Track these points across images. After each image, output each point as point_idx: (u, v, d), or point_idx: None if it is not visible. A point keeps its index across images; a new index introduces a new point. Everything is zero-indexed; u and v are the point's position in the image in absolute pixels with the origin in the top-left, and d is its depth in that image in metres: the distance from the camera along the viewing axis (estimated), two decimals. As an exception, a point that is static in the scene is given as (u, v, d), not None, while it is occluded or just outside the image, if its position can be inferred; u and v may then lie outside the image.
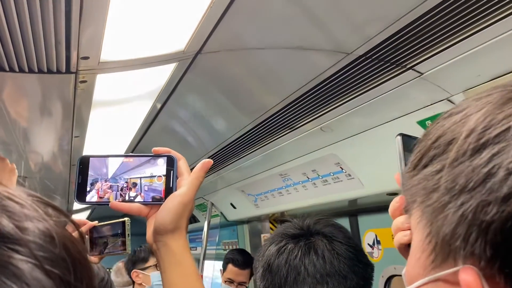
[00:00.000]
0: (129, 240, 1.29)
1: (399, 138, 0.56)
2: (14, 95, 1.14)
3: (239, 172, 2.79)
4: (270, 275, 0.90)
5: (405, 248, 0.50)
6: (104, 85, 1.11)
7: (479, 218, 0.33)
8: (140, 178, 0.75)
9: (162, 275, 0.74)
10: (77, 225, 0.42)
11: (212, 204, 3.64)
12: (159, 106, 1.45)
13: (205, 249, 3.61)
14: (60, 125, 1.42)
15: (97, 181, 0.75)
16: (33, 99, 1.18)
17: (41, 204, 0.38)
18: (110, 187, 0.75)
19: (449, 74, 1.28)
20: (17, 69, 0.95)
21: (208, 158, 2.48)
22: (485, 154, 0.34)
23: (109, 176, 0.75)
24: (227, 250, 3.72)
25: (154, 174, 0.74)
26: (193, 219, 4.38)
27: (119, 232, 1.29)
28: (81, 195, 0.74)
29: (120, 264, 2.79)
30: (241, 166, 2.64)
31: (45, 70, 0.96)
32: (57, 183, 2.65)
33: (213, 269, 4.32)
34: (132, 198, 0.74)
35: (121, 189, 0.75)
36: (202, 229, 3.76)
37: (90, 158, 0.75)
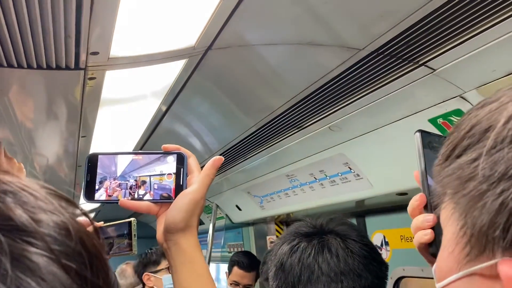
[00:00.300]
0: (135, 241, 1.27)
1: (418, 134, 0.54)
2: (21, 93, 1.13)
3: (245, 173, 2.77)
4: (283, 274, 0.89)
5: (425, 247, 0.49)
6: (113, 82, 1.09)
7: None
8: (150, 175, 0.73)
9: (173, 275, 0.73)
10: (91, 220, 0.41)
11: (217, 206, 3.62)
12: (167, 105, 1.43)
13: (211, 252, 3.59)
14: (67, 124, 1.40)
15: (106, 179, 0.73)
16: (41, 97, 1.17)
17: (55, 197, 0.37)
18: (119, 185, 0.73)
19: (462, 70, 1.26)
20: (25, 65, 0.93)
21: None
22: None
23: (118, 174, 0.73)
24: (232, 253, 3.69)
25: (164, 172, 0.73)
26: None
27: (125, 232, 1.27)
28: (89, 193, 0.73)
29: (123, 266, 2.78)
30: (247, 167, 2.62)
31: (54, 66, 0.95)
32: (63, 184, 2.63)
33: (215, 271, 4.30)
34: (142, 196, 0.73)
35: (130, 187, 0.73)
36: (207, 232, 3.73)
37: (99, 156, 0.74)
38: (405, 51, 1.21)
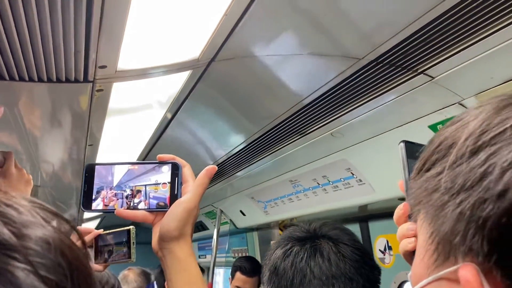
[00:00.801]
0: (134, 249, 1.29)
1: (402, 145, 0.57)
2: (30, 105, 1.16)
3: (249, 179, 2.79)
4: (276, 278, 0.91)
5: (410, 255, 0.51)
6: (120, 94, 1.13)
7: (476, 215, 0.35)
8: (145, 185, 0.75)
9: (168, 283, 0.74)
10: (79, 232, 0.42)
11: (222, 211, 3.64)
12: (171, 114, 1.46)
13: (215, 257, 3.60)
14: (75, 133, 1.44)
15: (103, 189, 0.75)
16: (50, 108, 1.20)
17: (42, 210, 0.39)
18: (116, 194, 0.75)
19: (460, 77, 1.28)
20: (36, 79, 0.97)
21: (218, 165, 2.48)
22: (482, 155, 0.36)
23: (115, 183, 0.75)
24: (236, 258, 3.71)
25: (159, 181, 0.75)
26: (202, 227, 4.38)
27: (124, 240, 1.29)
28: (87, 203, 0.75)
29: (126, 272, 2.80)
30: (251, 173, 2.64)
31: (63, 79, 0.98)
32: (70, 192, 2.67)
33: (222, 276, 4.31)
34: (137, 205, 0.75)
35: (127, 197, 0.75)
36: (211, 237, 3.75)
37: (96, 166, 0.76)
38: (404, 59, 1.24)
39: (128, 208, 0.75)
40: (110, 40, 0.83)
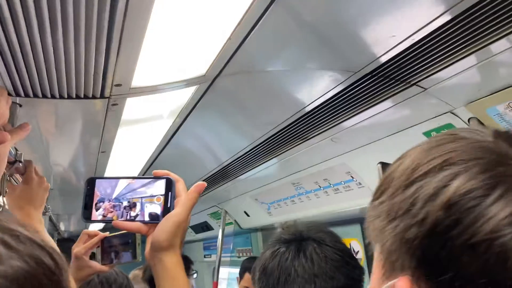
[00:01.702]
0: (140, 249, 1.35)
1: (379, 166, 0.65)
2: (51, 118, 1.25)
3: (252, 181, 2.87)
4: (265, 277, 0.99)
5: None
6: (132, 107, 1.22)
7: (405, 237, 0.43)
8: (141, 198, 0.81)
9: None
10: (59, 263, 0.46)
11: (226, 212, 3.72)
12: (177, 125, 1.55)
13: (220, 256, 3.69)
14: (90, 142, 1.53)
15: (103, 201, 0.81)
16: (68, 121, 1.30)
17: (29, 243, 0.42)
18: (114, 206, 0.81)
19: (451, 89, 1.36)
20: (57, 96, 1.06)
21: (222, 168, 2.54)
22: (412, 188, 0.45)
23: (113, 196, 0.81)
24: (241, 257, 3.80)
25: (154, 195, 0.80)
26: (207, 227, 4.47)
27: (129, 241, 1.36)
28: (87, 214, 0.81)
29: (136, 272, 2.88)
30: (255, 175, 2.73)
31: (82, 96, 1.07)
32: (80, 195, 2.76)
33: (227, 275, 4.39)
34: (133, 217, 0.81)
35: (124, 209, 0.81)
36: (216, 237, 3.84)
37: (96, 180, 0.83)
38: (398, 72, 1.32)
39: (124, 220, 0.81)
40: (127, 62, 0.92)
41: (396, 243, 0.44)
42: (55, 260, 0.45)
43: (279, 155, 2.27)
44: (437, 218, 0.41)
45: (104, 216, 0.82)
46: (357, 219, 2.69)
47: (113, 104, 1.13)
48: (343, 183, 2.24)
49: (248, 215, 3.51)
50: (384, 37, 1.17)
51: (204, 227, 4.52)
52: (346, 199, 2.30)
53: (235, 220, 3.78)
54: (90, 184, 0.83)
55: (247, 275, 2.86)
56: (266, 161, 2.40)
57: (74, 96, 1.06)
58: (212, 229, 4.37)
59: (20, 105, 1.08)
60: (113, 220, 0.81)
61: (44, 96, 1.06)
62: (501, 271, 0.38)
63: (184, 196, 0.82)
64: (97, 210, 0.82)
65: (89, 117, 1.25)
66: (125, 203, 0.82)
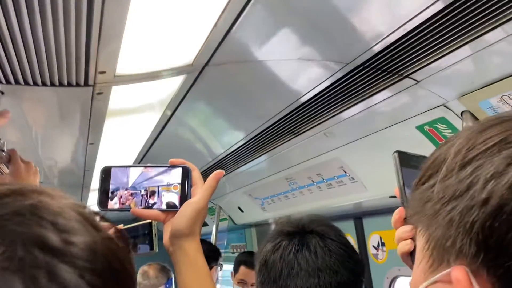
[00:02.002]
0: (156, 240, 1.34)
1: (396, 155, 0.61)
2: (35, 106, 1.23)
3: (246, 176, 2.85)
4: (266, 270, 0.96)
5: (407, 256, 0.55)
6: (118, 96, 1.20)
7: (464, 220, 0.40)
8: (158, 186, 0.81)
9: (178, 277, 0.80)
10: (124, 235, 0.47)
11: (220, 208, 3.71)
12: (168, 115, 1.53)
13: (214, 252, 3.67)
14: (77, 133, 1.51)
15: (119, 190, 0.81)
16: (53, 110, 1.27)
17: (88, 216, 0.43)
18: (131, 194, 0.80)
19: (444, 81, 1.34)
20: (40, 83, 1.04)
21: (216, 162, 2.53)
22: (469, 169, 0.41)
23: (130, 185, 0.80)
24: (235, 253, 3.78)
25: (170, 183, 0.80)
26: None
27: (146, 232, 1.35)
28: (103, 202, 0.80)
29: (146, 268, 2.84)
30: (248, 171, 2.71)
31: (65, 83, 1.05)
32: (72, 188, 2.74)
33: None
34: (151, 205, 0.81)
35: (141, 197, 0.81)
36: (211, 233, 3.83)
37: (112, 168, 0.82)
38: (389, 64, 1.30)
39: (142, 208, 0.81)
40: (109, 48, 0.90)
41: (451, 227, 0.41)
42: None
43: (272, 150, 2.25)
44: (503, 197, 0.38)
45: (122, 204, 0.81)
46: (351, 215, 2.68)
47: (99, 93, 1.11)
48: (336, 178, 2.22)
49: (242, 211, 3.49)
50: (375, 27, 1.15)
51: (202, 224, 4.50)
52: (339, 195, 2.29)
53: (229, 216, 3.77)
54: (106, 172, 0.82)
55: (243, 268, 2.84)
56: (260, 155, 2.38)
57: (57, 83, 1.04)
58: (207, 225, 4.35)
59: (2, 93, 1.06)
60: (130, 208, 0.80)
61: (27, 83, 1.03)
62: None
63: (200, 184, 0.82)
64: (112, 199, 0.81)
65: (75, 106, 1.22)
66: (142, 191, 0.81)
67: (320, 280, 0.90)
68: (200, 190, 0.80)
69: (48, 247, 0.36)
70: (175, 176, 0.82)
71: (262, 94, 1.54)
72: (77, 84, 1.04)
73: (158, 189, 0.81)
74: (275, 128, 1.93)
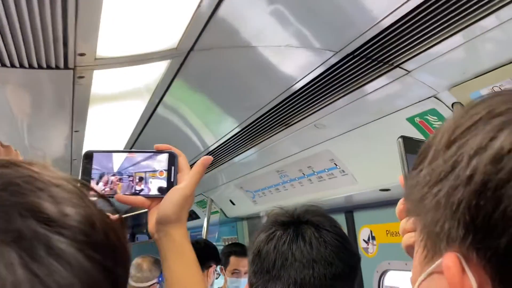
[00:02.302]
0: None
1: (400, 140, 0.57)
2: (15, 90, 1.20)
3: (237, 169, 2.83)
4: (259, 260, 0.94)
5: (412, 249, 0.50)
6: (101, 81, 1.16)
7: (450, 201, 0.37)
8: (144, 172, 0.79)
9: (163, 264, 0.78)
10: (120, 213, 0.45)
11: (212, 200, 3.69)
12: (156, 102, 1.50)
13: (205, 245, 3.65)
14: (60, 119, 1.48)
15: (102, 175, 0.79)
16: (34, 94, 1.24)
17: (86, 191, 0.41)
18: (115, 181, 0.78)
19: (435, 72, 1.32)
20: (17, 65, 1.00)
21: (207, 154, 2.52)
22: (453, 148, 0.38)
23: (114, 170, 0.78)
24: (227, 246, 3.76)
25: (156, 169, 0.79)
26: (194, 216, 4.44)
27: (144, 221, 1.34)
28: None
29: (139, 261, 2.82)
30: (240, 163, 2.69)
31: (44, 66, 1.01)
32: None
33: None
34: (136, 191, 0.79)
35: (125, 183, 0.78)
36: (202, 226, 3.81)
37: (94, 154, 0.79)
38: (380, 53, 1.28)
39: (127, 194, 0.78)
40: (87, 28, 0.87)
41: (438, 210, 0.38)
42: None
43: (263, 141, 2.23)
44: (487, 173, 0.35)
45: (105, 190, 0.78)
46: (342, 208, 2.67)
47: (80, 77, 1.08)
48: (326, 170, 2.20)
49: (233, 204, 3.47)
50: (365, 14, 1.12)
51: (190, 215, 4.49)
52: (330, 187, 2.27)
53: (220, 209, 3.75)
54: (88, 158, 0.79)
55: (234, 258, 2.81)
56: (251, 147, 2.36)
57: (35, 65, 1.01)
58: (199, 217, 4.34)
59: (-21, 75, 1.03)
60: (114, 194, 0.78)
61: (4, 65, 1.00)
62: None
63: (186, 170, 0.80)
64: (97, 184, 0.78)
65: (56, 90, 1.19)
66: (126, 177, 0.79)
67: (315, 271, 0.88)
68: (187, 176, 0.79)
69: (44, 218, 0.35)
70: (161, 162, 0.80)
71: (251, 82, 1.52)
72: (57, 67, 1.01)
73: (143, 175, 0.79)
74: (266, 118, 1.91)
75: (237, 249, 2.84)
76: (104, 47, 0.98)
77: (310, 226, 0.96)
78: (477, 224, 0.35)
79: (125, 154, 0.79)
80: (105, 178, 0.78)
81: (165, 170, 0.79)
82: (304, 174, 2.40)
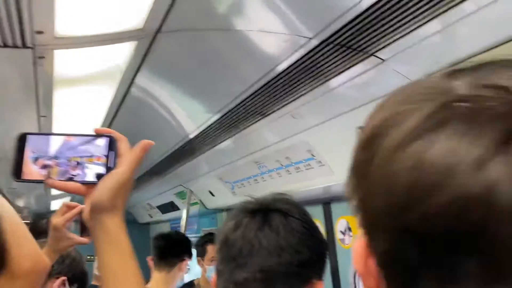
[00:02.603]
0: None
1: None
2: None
3: (216, 159, 2.81)
4: (226, 248, 0.93)
5: None
6: (65, 62, 1.12)
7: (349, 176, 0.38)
8: (80, 157, 0.74)
9: (97, 255, 0.74)
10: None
11: (191, 191, 3.65)
12: (126, 86, 1.45)
13: (184, 236, 3.62)
14: (25, 103, 1.42)
15: (36, 159, 0.74)
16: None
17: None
18: (49, 165, 0.73)
19: (409, 61, 1.31)
20: (-29, 42, 0.95)
21: (186, 143, 2.45)
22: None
23: (49, 154, 0.73)
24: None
25: (94, 154, 0.74)
26: (174, 207, 4.40)
27: None
28: (18, 172, 0.73)
29: None
30: (218, 153, 2.66)
31: (2, 44, 0.96)
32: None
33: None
34: (71, 176, 0.74)
35: (60, 168, 0.74)
36: (181, 217, 3.78)
37: (30, 136, 0.74)
38: (354, 40, 1.26)
39: (61, 180, 0.74)
40: (43, 4, 0.82)
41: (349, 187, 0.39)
42: None
43: (241, 131, 2.20)
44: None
45: (37, 175, 0.73)
46: (320, 200, 2.66)
47: (40, 57, 1.03)
48: (304, 161, 2.19)
49: (213, 195, 3.45)
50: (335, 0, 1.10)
51: (170, 207, 4.44)
52: (308, 178, 2.26)
53: (200, 200, 3.71)
54: (21, 140, 0.74)
55: (211, 247, 2.78)
56: (229, 137, 2.33)
57: (-9, 43, 0.96)
58: (179, 209, 4.30)
59: None
60: (45, 179, 0.72)
61: (-43, 42, 0.94)
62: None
63: (127, 156, 0.74)
64: (28, 168, 0.73)
65: (17, 71, 1.14)
66: (61, 162, 0.74)
67: (282, 258, 0.87)
68: (125, 162, 0.74)
69: None
70: (100, 146, 0.74)
71: (224, 69, 1.48)
72: (14, 46, 0.96)
73: (80, 159, 0.74)
74: (243, 107, 1.88)
75: (214, 237, 2.82)
76: (64, 26, 0.93)
77: (278, 214, 0.95)
78: (358, 195, 0.36)
79: (62, 138, 0.75)
80: (39, 162, 0.73)
81: (104, 155, 0.74)
82: (282, 165, 2.38)
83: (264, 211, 0.97)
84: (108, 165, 0.74)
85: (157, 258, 2.23)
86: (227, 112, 1.95)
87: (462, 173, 0.28)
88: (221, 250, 0.95)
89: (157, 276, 2.15)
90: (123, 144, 0.76)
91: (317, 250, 0.95)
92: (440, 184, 0.29)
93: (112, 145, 0.75)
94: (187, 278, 2.90)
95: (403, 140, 0.32)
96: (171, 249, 2.26)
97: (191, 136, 2.40)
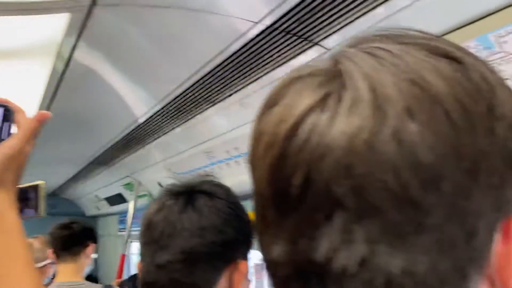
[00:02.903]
0: (44, 204, 1.24)
1: None
2: None
3: (165, 149, 2.74)
4: (148, 231, 0.91)
5: None
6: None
7: None
8: None
9: None
10: None
11: (140, 183, 3.56)
12: (64, 62, 1.37)
13: (130, 230, 3.53)
14: None
15: None
16: None
17: None
18: None
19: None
20: None
21: (131, 130, 2.37)
22: None
23: None
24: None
25: None
26: (122, 200, 4.27)
27: (33, 196, 1.23)
28: None
29: (31, 240, 2.64)
30: (167, 143, 2.60)
31: None
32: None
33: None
34: None
35: None
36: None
37: None
38: (297, 28, 1.26)
39: None
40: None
41: None
42: None
43: (190, 120, 2.16)
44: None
45: None
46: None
47: (-40, 23, 0.94)
48: (252, 152, 2.19)
49: (162, 187, 3.36)
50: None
51: (119, 199, 4.30)
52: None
53: (149, 192, 3.63)
54: None
55: None
56: (177, 125, 2.28)
57: None
58: (126, 201, 4.18)
59: None
60: None
61: None
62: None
63: (24, 128, 0.68)
64: None
65: None
66: None
67: (204, 239, 0.86)
68: (17, 134, 0.68)
69: None
70: None
71: (169, 51, 1.44)
72: None
73: None
74: (190, 94, 1.84)
75: None
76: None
77: (203, 195, 0.94)
78: None
79: None
80: None
81: None
82: (231, 156, 2.37)
83: (189, 193, 0.96)
84: (1, 137, 0.69)
85: (60, 250, 2.03)
86: (174, 98, 1.91)
87: None
88: (144, 233, 0.93)
89: (63, 268, 1.95)
90: (20, 115, 0.69)
91: (243, 230, 0.95)
92: None
93: (7, 116, 0.69)
94: (133, 270, 2.81)
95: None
96: (74, 237, 2.06)
97: (138, 122, 2.33)
